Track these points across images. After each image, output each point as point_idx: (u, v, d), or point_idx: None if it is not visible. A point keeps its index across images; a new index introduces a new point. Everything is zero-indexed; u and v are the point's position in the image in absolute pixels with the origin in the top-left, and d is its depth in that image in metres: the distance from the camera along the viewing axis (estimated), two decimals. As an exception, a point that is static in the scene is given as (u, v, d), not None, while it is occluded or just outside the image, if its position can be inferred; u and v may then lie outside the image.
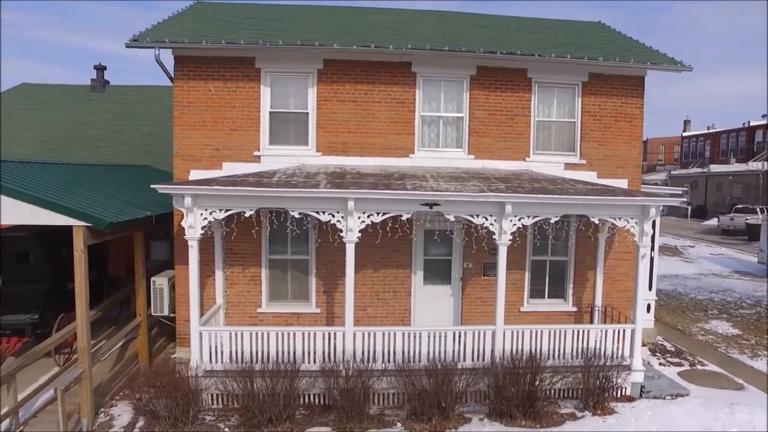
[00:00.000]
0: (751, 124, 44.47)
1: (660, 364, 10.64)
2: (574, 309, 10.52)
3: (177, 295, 9.92)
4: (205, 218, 8.24)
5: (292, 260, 9.94)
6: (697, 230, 34.76)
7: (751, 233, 28.71)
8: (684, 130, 58.75)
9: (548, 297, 10.60)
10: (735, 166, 38.96)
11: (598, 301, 10.48)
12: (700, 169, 43.01)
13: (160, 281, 10.39)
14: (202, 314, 9.89)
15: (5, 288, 10.40)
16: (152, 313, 10.35)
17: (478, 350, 8.70)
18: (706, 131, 53.09)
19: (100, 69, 18.52)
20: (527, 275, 10.39)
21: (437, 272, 10.21)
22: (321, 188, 8.03)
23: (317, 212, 8.27)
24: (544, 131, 10.31)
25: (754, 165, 36.67)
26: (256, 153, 9.64)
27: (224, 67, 9.52)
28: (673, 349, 11.70)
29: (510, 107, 10.04)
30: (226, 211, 8.23)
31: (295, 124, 9.82)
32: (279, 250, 9.88)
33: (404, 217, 8.44)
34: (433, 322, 10.07)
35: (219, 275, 9.81)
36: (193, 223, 8.19)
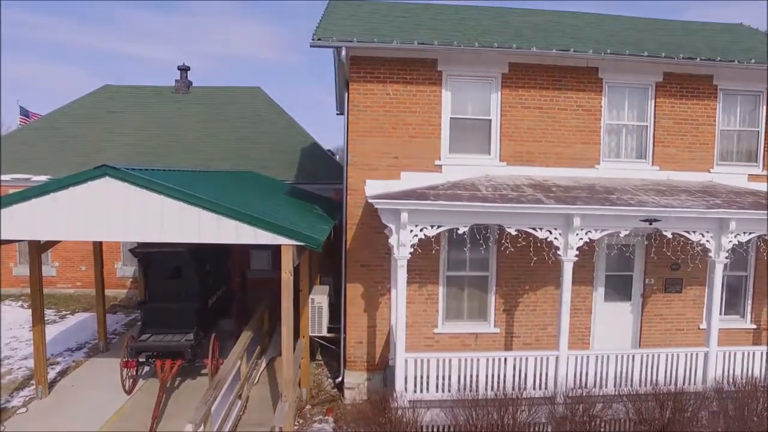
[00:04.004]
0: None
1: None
2: (753, 326, 10.06)
3: (349, 315, 9.26)
4: (416, 235, 7.64)
5: (469, 277, 9.34)
6: None
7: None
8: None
9: (724, 313, 10.12)
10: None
11: (777, 318, 10.04)
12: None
13: (319, 299, 9.76)
14: (376, 336, 9.34)
15: (152, 305, 9.66)
16: (309, 333, 9.69)
17: (689, 373, 8.24)
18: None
19: (184, 69, 17.58)
20: (707, 291, 9.89)
21: (617, 288, 9.68)
22: (545, 204, 7.47)
23: (533, 228, 7.72)
24: (726, 141, 9.83)
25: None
26: (437, 162, 9.01)
27: (404, 69, 8.88)
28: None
29: (695, 116, 9.54)
30: (438, 227, 7.64)
31: (474, 131, 9.21)
32: (457, 267, 9.27)
33: (622, 234, 7.90)
34: (611, 341, 9.57)
35: (395, 294, 9.17)
36: (404, 241, 7.58)
